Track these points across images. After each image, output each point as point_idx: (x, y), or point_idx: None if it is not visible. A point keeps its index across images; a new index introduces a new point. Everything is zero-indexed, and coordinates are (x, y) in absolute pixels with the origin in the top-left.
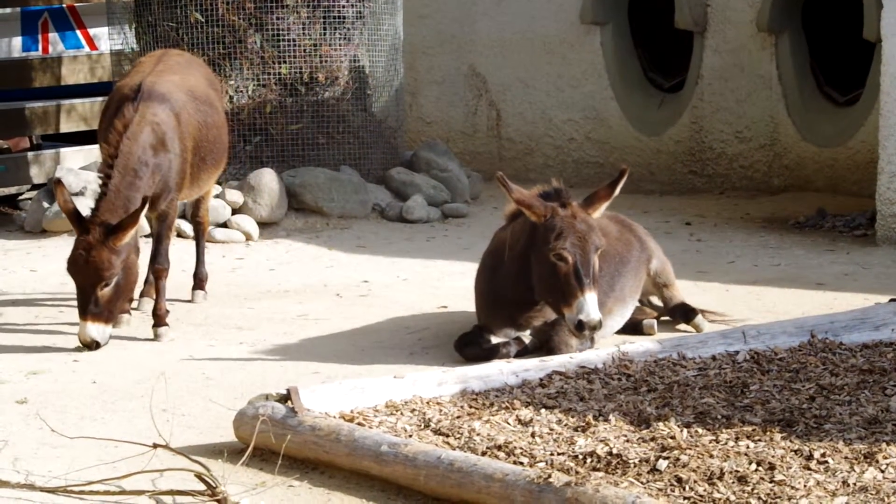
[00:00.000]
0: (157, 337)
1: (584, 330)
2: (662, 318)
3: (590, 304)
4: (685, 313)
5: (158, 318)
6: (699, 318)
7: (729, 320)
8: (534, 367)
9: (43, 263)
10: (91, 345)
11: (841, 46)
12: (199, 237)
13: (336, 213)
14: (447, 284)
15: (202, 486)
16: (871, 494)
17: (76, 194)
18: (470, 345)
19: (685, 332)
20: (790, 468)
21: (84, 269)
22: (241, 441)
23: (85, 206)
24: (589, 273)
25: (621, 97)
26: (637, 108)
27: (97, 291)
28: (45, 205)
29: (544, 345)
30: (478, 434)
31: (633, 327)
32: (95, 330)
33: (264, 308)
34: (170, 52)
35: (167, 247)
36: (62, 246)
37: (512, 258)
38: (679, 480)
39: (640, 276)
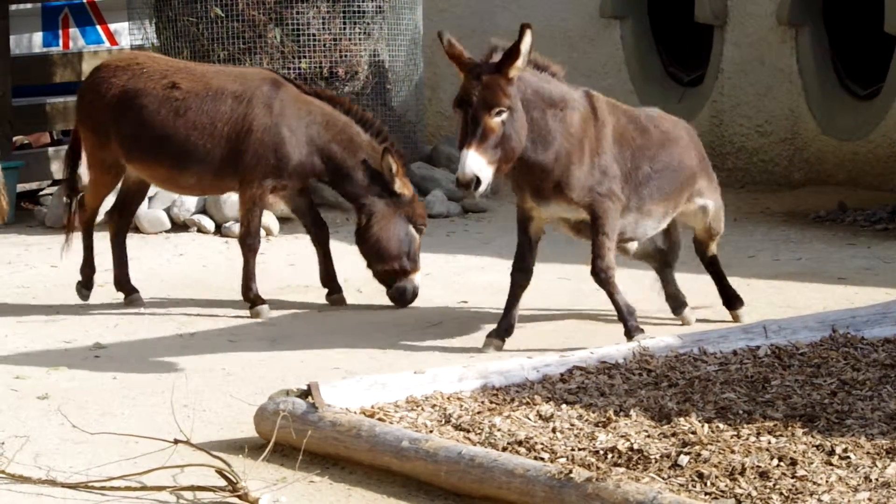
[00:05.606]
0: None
1: (459, 186)
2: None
3: (466, 158)
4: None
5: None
6: (687, 311)
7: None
8: (554, 363)
9: (64, 259)
10: None
11: (862, 40)
12: None
13: None
14: (468, 279)
15: (223, 482)
16: (894, 490)
17: None
18: None
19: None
20: (812, 463)
21: None
22: (262, 437)
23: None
24: (474, 131)
25: (641, 91)
26: (657, 103)
27: None
28: (66, 200)
29: None
30: (498, 429)
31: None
32: None
33: (285, 303)
34: None
35: None
36: None
37: None
38: (700, 476)
39: (685, 190)
